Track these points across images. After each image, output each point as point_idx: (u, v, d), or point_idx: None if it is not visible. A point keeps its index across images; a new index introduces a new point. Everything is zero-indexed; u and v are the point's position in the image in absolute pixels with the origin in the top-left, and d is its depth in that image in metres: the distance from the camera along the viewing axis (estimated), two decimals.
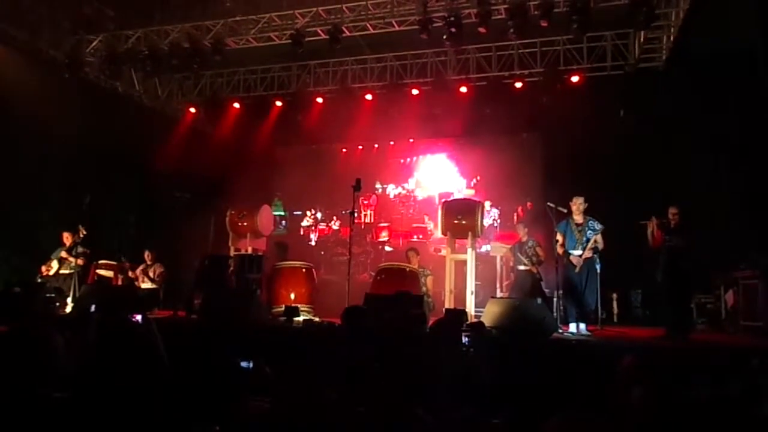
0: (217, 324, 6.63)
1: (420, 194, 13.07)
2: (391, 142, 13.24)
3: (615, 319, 9.42)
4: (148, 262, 9.89)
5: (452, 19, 8.80)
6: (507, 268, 9.59)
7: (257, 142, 12.70)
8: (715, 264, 8.71)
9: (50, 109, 9.38)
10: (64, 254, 9.29)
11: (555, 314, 7.53)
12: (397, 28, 9.69)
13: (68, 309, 8.21)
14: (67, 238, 9.23)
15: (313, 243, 13.10)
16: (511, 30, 8.71)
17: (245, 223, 9.26)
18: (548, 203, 7.68)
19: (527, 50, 10.63)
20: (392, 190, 13.30)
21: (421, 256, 9.46)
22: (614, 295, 9.65)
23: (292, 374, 2.73)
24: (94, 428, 2.07)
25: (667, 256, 6.99)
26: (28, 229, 9.70)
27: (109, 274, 9.64)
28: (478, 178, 12.42)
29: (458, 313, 6.69)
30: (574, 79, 10.21)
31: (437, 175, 13.05)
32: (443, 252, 9.00)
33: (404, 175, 13.31)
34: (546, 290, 8.45)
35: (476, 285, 8.09)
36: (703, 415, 2.35)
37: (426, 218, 12.47)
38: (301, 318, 7.70)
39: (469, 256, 7.92)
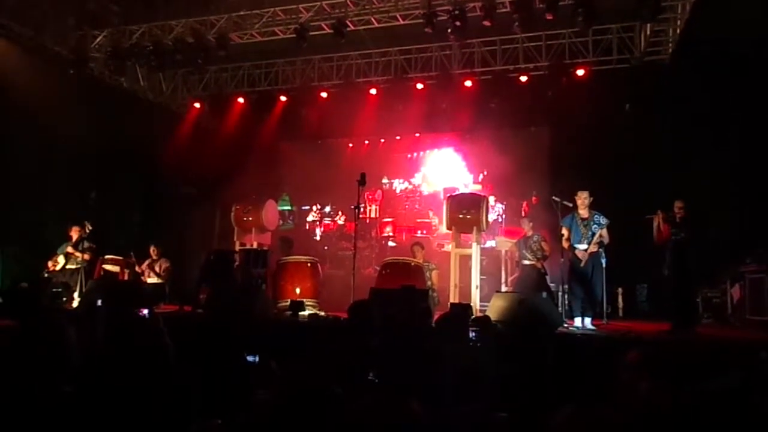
0: (222, 319, 6.66)
1: (425, 189, 13.02)
2: (398, 137, 13.16)
3: (620, 314, 9.41)
4: (154, 257, 9.94)
5: (457, 12, 8.76)
6: (512, 262, 9.57)
7: (262, 137, 12.65)
8: (721, 258, 8.67)
9: (55, 106, 9.39)
10: (70, 249, 9.35)
11: (560, 309, 7.52)
12: (401, 22, 9.67)
13: (75, 304, 8.26)
14: (75, 232, 9.26)
15: (317, 238, 13.12)
16: (516, 23, 8.69)
17: (250, 218, 9.26)
18: (553, 197, 7.67)
19: (532, 44, 10.55)
20: (399, 185, 13.26)
21: (425, 251, 9.45)
22: (620, 290, 9.61)
23: (297, 368, 2.74)
24: (101, 421, 2.09)
25: (673, 250, 6.96)
26: (34, 226, 9.74)
27: (116, 269, 9.67)
28: (486, 172, 12.38)
29: (464, 308, 6.66)
30: (580, 72, 10.15)
31: (444, 169, 12.97)
32: (447, 248, 9.00)
33: (411, 169, 13.21)
34: (551, 284, 8.44)
35: (481, 279, 8.09)
36: (710, 409, 2.34)
37: (430, 213, 12.44)
38: (306, 312, 7.72)
39: (474, 251, 7.92)
